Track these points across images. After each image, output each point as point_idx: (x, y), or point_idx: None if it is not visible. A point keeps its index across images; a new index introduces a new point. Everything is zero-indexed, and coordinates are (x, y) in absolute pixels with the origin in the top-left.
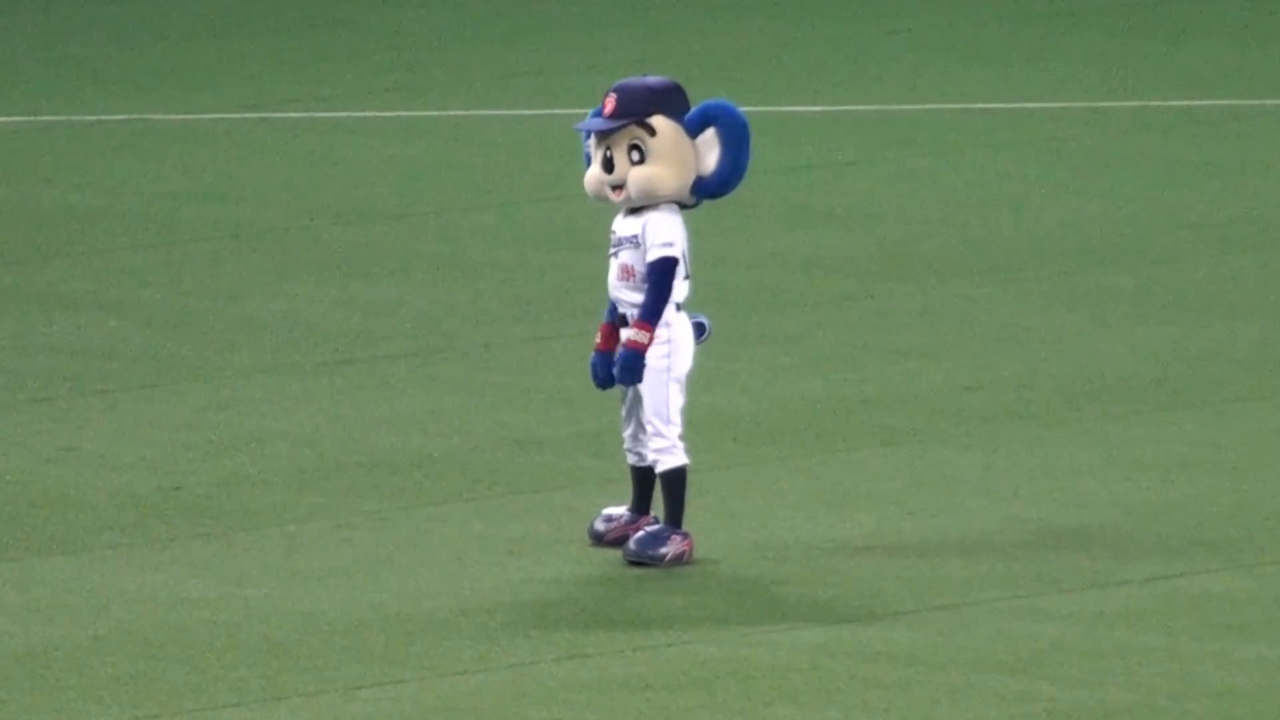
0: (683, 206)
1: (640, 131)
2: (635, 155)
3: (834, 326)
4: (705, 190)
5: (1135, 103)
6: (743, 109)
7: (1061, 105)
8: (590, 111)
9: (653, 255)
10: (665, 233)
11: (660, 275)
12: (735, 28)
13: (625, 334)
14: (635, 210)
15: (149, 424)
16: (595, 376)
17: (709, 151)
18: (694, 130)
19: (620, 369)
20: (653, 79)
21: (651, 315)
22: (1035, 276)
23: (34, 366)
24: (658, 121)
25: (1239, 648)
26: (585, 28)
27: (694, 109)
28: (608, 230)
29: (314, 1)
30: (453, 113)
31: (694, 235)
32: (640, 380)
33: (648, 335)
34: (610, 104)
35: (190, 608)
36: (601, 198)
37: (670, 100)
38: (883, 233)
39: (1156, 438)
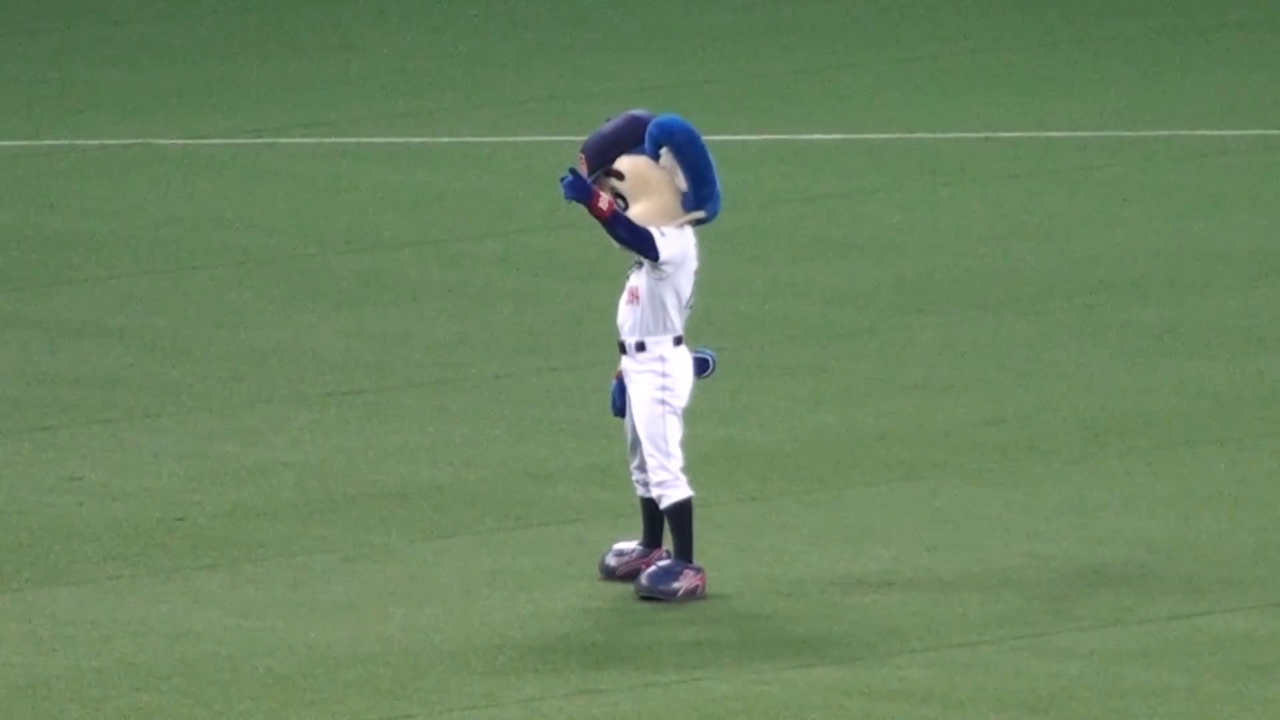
0: (700, 223)
1: (611, 180)
2: (621, 203)
3: (852, 359)
4: (691, 204)
5: (1162, 132)
6: (755, 135)
7: (1087, 134)
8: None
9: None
10: (668, 230)
11: (640, 231)
12: (753, 54)
13: (603, 195)
14: None
15: (153, 454)
16: (614, 404)
17: (675, 168)
18: (654, 155)
19: (572, 182)
20: (608, 124)
21: (619, 219)
22: (1059, 309)
23: (36, 395)
24: (623, 163)
25: (1261, 687)
26: (599, 54)
27: (646, 137)
28: (625, 262)
29: (324, 25)
30: (464, 139)
31: (710, 265)
32: (565, 195)
33: (605, 209)
34: (582, 165)
35: (194, 640)
36: (623, 249)
37: (628, 138)
38: (903, 264)
39: (1180, 474)
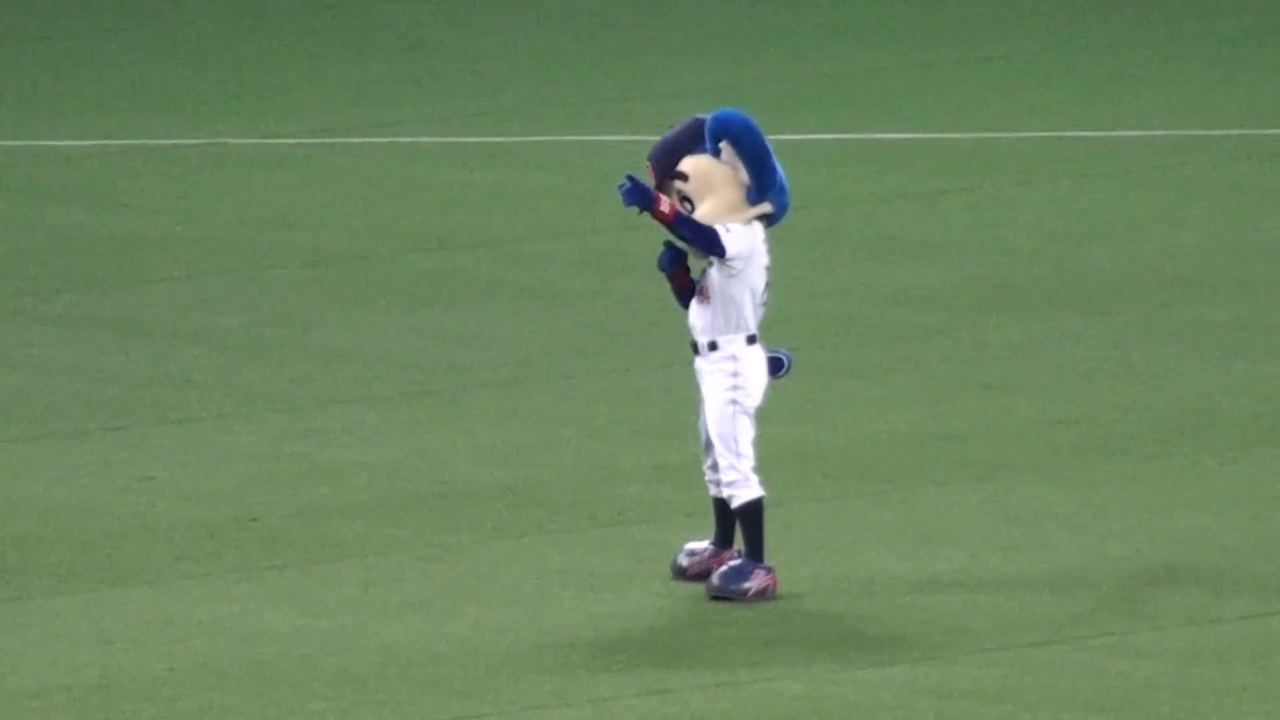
0: (771, 220)
1: (676, 183)
2: (688, 205)
3: (924, 359)
4: (755, 197)
5: (1233, 131)
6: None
7: (1158, 134)
8: None
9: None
10: (734, 227)
11: (705, 229)
12: (824, 54)
13: (664, 198)
14: None
15: (225, 454)
16: (660, 261)
17: (736, 162)
18: (715, 152)
19: (631, 189)
20: (670, 130)
21: (683, 220)
22: (1130, 308)
23: (108, 395)
24: (685, 164)
25: None
26: (671, 54)
27: (705, 133)
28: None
29: (395, 26)
30: (535, 139)
31: (782, 265)
32: (625, 201)
33: (667, 212)
34: (649, 174)
35: (266, 640)
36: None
37: (691, 141)
38: (974, 264)
39: (1253, 474)
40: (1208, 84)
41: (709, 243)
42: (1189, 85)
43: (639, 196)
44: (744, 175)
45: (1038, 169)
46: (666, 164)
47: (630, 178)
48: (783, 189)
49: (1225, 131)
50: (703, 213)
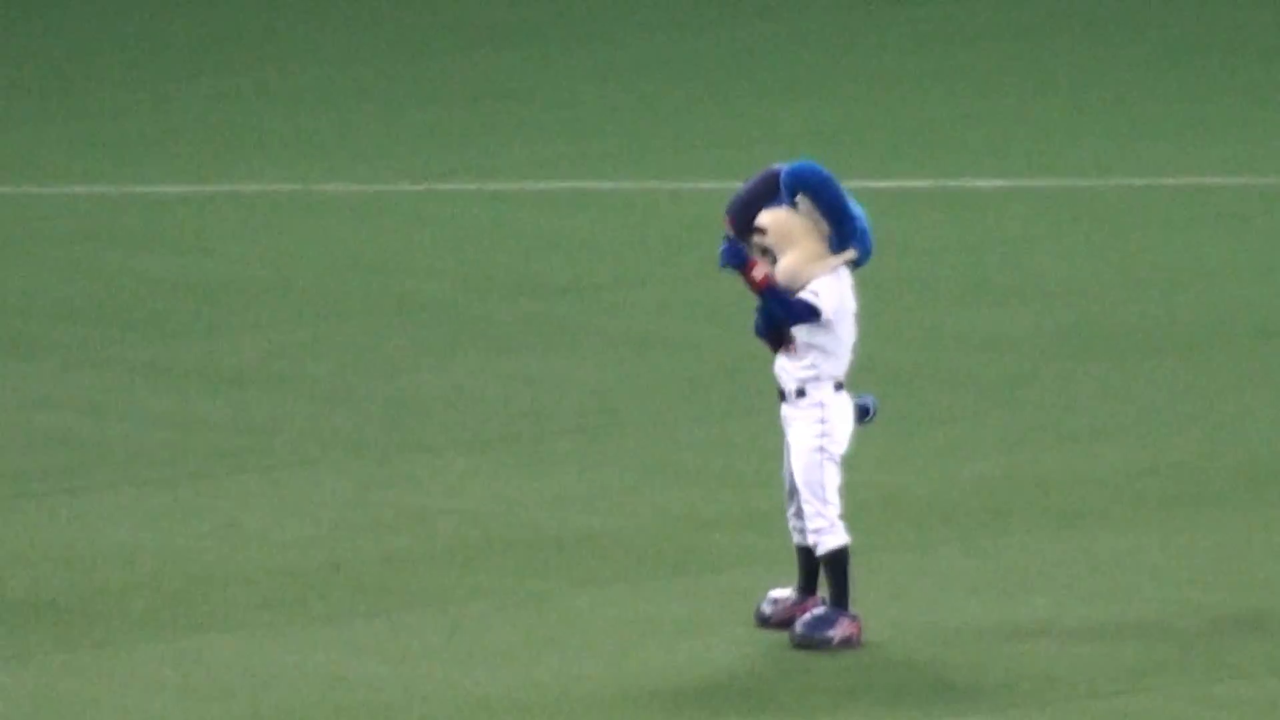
0: (856, 264)
1: (755, 238)
2: (770, 257)
3: (1011, 406)
4: (837, 245)
5: None
6: (918, 182)
7: (1248, 181)
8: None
9: (800, 295)
10: (820, 285)
11: (794, 303)
12: (915, 100)
13: (759, 264)
14: None
15: (311, 500)
16: (722, 258)
17: (815, 213)
18: (791, 204)
19: (729, 250)
20: (746, 184)
21: (774, 290)
22: (1218, 356)
23: (195, 442)
24: (763, 218)
25: None
26: (761, 100)
27: (781, 187)
28: None
29: (483, 72)
30: (625, 185)
31: (870, 311)
32: (721, 263)
33: (760, 279)
34: (728, 228)
35: (351, 687)
36: None
37: (767, 193)
38: (1063, 310)
39: None
40: None
41: (803, 315)
42: (1278, 134)
43: (735, 258)
44: (824, 226)
45: (1127, 216)
46: (744, 218)
47: (729, 238)
48: (865, 232)
49: None
50: (786, 265)
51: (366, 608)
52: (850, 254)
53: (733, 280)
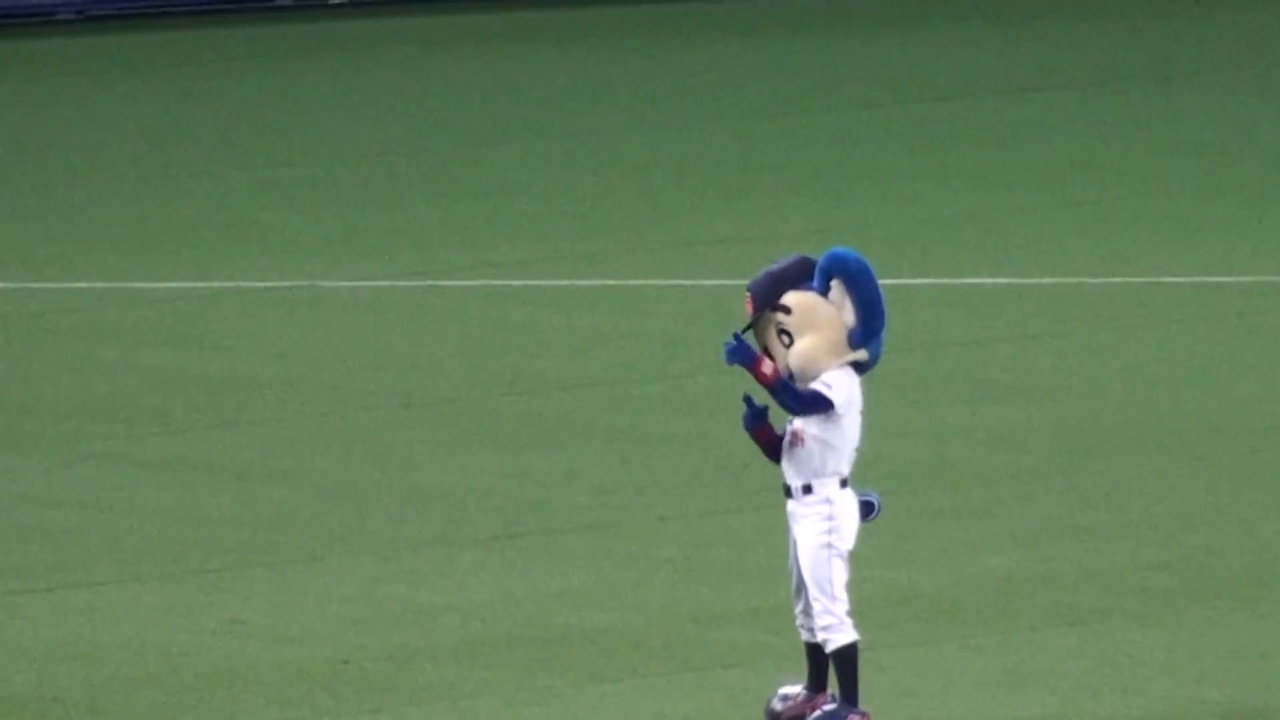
0: (861, 369)
1: (778, 315)
2: (785, 339)
3: (1017, 502)
4: (857, 338)
5: None
6: (922, 279)
7: (1253, 279)
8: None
9: (811, 385)
10: (832, 377)
11: (806, 394)
12: (918, 197)
13: (765, 359)
14: None
15: (317, 596)
16: (734, 347)
17: (844, 302)
18: (823, 290)
19: (734, 348)
20: (776, 264)
21: (783, 386)
22: (1223, 453)
23: (199, 537)
24: (790, 299)
25: None
26: (765, 197)
27: (816, 269)
28: None
29: (487, 167)
30: (629, 281)
31: (875, 409)
32: (728, 360)
33: (769, 374)
34: (748, 304)
35: None
36: None
37: (796, 275)
38: (1067, 407)
39: None
40: None
41: (814, 406)
42: None
43: (742, 355)
44: (849, 317)
45: (1130, 313)
46: (769, 297)
47: (736, 335)
48: (881, 339)
49: None
50: (804, 349)
51: (374, 704)
52: (862, 355)
53: (736, 374)
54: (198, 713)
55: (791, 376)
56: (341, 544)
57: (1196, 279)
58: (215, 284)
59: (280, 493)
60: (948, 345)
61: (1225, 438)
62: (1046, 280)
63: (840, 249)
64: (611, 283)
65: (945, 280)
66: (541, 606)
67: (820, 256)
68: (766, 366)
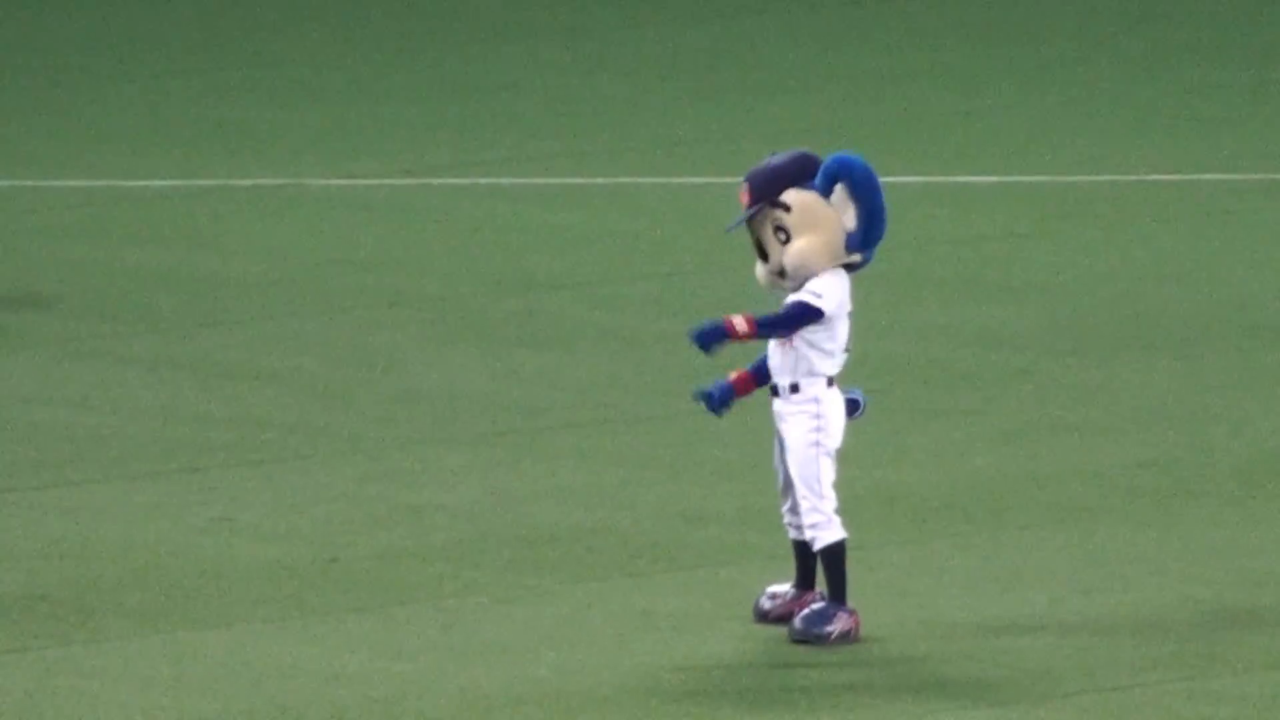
0: (852, 269)
1: (776, 212)
2: (782, 235)
3: (1006, 401)
4: (855, 244)
5: None
6: (910, 177)
7: (1240, 177)
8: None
9: (799, 296)
10: (821, 285)
11: (794, 311)
12: (908, 96)
13: (733, 318)
14: None
15: (304, 495)
16: (710, 400)
17: (846, 207)
18: (825, 192)
19: (699, 332)
20: (777, 157)
21: (766, 324)
22: (1212, 352)
23: (186, 436)
24: (790, 196)
25: None
26: (753, 95)
27: (820, 171)
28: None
29: (475, 66)
30: (616, 180)
31: (864, 307)
32: (703, 348)
33: (746, 330)
34: (744, 195)
35: (346, 683)
36: (775, 288)
37: (799, 172)
38: (1056, 306)
39: None
40: None
41: (806, 318)
42: (1271, 129)
43: (713, 335)
44: (850, 221)
45: (1120, 212)
46: (769, 191)
47: (696, 328)
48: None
49: None
50: (801, 248)
51: (361, 603)
52: (856, 257)
53: (727, 275)
54: (184, 612)
55: (783, 272)
56: (329, 443)
57: (1186, 177)
58: (202, 182)
59: (268, 391)
60: (936, 243)
61: (1214, 336)
62: (1035, 178)
63: (847, 154)
64: (599, 181)
65: (935, 178)
66: (529, 506)
67: (825, 158)
68: (739, 325)
